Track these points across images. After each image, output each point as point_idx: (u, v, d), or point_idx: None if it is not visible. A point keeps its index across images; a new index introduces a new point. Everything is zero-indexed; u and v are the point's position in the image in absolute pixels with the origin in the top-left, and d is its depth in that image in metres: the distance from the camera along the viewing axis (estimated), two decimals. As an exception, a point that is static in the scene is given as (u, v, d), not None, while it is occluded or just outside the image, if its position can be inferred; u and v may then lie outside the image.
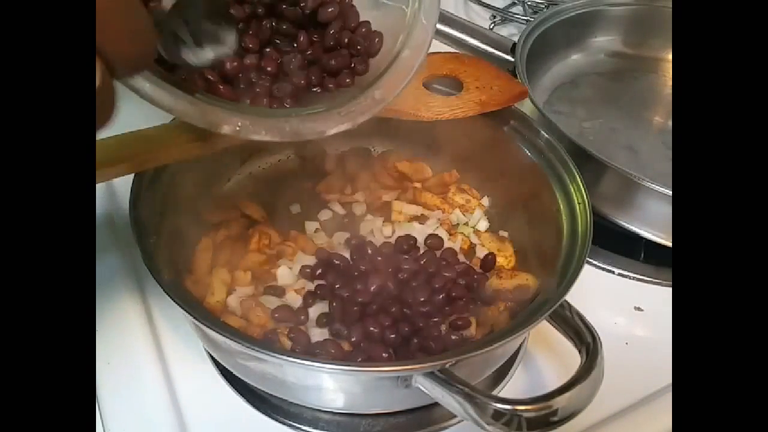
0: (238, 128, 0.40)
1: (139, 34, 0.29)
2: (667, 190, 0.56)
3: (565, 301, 0.44)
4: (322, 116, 0.43)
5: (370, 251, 0.54)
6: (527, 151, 0.56)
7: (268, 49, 0.46)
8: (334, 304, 0.50)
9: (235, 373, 0.47)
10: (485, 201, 0.62)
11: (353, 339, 0.47)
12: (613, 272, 0.63)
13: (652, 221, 0.60)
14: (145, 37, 0.30)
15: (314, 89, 0.46)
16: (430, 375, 0.39)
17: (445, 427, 0.50)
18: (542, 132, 0.56)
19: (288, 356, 0.39)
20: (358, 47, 0.47)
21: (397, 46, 0.46)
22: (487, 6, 0.96)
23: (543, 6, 0.91)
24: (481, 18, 0.96)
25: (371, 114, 0.44)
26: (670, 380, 0.53)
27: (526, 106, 0.61)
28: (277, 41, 0.47)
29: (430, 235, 0.58)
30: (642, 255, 0.64)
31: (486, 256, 0.56)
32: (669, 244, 0.60)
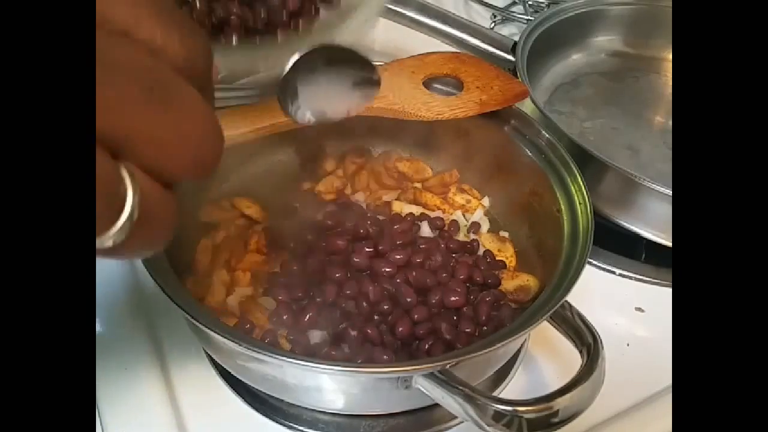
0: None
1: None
2: (668, 190, 0.56)
3: (566, 301, 0.43)
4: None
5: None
6: (528, 151, 0.56)
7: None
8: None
9: (234, 374, 0.47)
10: (486, 201, 0.62)
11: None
12: (614, 272, 0.63)
13: (653, 221, 0.60)
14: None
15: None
16: (430, 376, 0.39)
17: (446, 428, 0.50)
18: (543, 132, 0.55)
19: (288, 357, 0.39)
20: None
21: None
22: (488, 5, 0.96)
23: (544, 5, 0.91)
24: (482, 17, 0.96)
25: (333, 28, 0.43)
26: (671, 381, 0.53)
27: (526, 106, 0.60)
28: None
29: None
30: (643, 255, 0.64)
31: (485, 253, 0.56)
32: (669, 244, 0.60)
